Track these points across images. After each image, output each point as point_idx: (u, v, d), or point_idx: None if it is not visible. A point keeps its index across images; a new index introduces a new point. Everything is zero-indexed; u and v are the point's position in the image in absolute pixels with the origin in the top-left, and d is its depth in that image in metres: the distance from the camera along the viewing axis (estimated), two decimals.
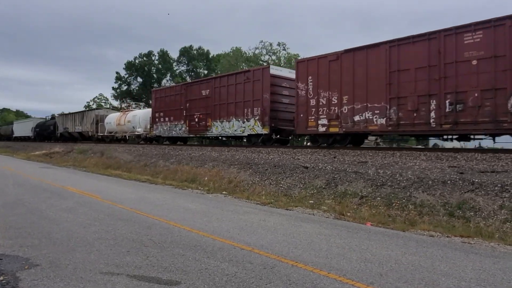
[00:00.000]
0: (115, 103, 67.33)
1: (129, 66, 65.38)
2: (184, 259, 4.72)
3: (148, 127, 26.54)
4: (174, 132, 23.50)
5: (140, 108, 36.01)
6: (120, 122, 30.38)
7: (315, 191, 9.98)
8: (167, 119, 24.11)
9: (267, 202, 9.38)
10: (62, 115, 44.04)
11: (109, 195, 10.27)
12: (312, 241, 5.67)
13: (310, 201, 9.34)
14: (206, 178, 13.25)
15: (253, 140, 18.49)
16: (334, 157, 12.44)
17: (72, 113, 40.97)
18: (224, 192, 11.23)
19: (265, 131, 17.17)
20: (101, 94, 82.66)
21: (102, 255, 4.86)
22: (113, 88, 67.80)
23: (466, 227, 6.69)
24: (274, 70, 17.76)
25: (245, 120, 18.27)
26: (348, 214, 8.03)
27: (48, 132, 45.38)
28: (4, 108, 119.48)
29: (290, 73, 17.91)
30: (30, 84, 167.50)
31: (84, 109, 59.95)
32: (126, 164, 19.27)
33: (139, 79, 65.77)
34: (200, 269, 4.34)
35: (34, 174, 16.22)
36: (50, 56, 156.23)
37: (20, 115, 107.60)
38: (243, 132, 18.33)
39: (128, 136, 30.90)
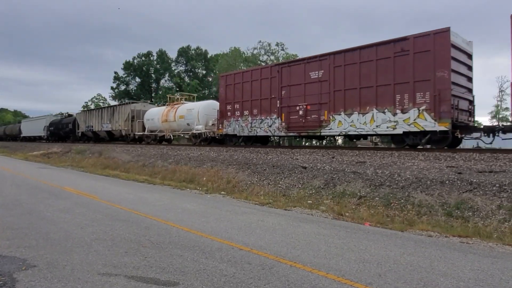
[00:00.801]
0: (113, 103, 67.19)
1: (127, 66, 65.31)
2: (182, 259, 4.70)
3: (211, 123, 21.55)
4: (259, 130, 18.11)
5: (193, 101, 28.43)
6: (169, 118, 24.36)
7: (313, 191, 9.97)
8: (245, 112, 18.73)
9: (265, 203, 9.37)
10: (85, 111, 38.41)
11: (107, 195, 10.24)
12: (311, 242, 5.66)
13: (309, 201, 9.33)
14: (204, 178, 13.24)
15: (411, 140, 13.10)
16: (333, 157, 12.44)
17: (99, 108, 35.85)
18: (222, 192, 11.22)
19: (442, 126, 11.96)
20: (99, 94, 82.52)
21: (100, 255, 4.84)
22: (111, 88, 67.72)
23: (465, 227, 6.70)
24: (455, 37, 12.29)
25: (397, 111, 12.95)
26: (347, 214, 8.03)
27: (65, 131, 40.03)
28: (1, 108, 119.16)
29: (467, 45, 13.21)
30: (28, 84, 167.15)
31: (115, 103, 54.34)
32: (124, 164, 19.22)
33: (137, 79, 65.69)
34: (198, 269, 4.33)
35: (32, 175, 16.16)
36: (48, 56, 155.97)
37: (18, 115, 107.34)
38: (394, 128, 13.09)
39: (181, 136, 25.15)
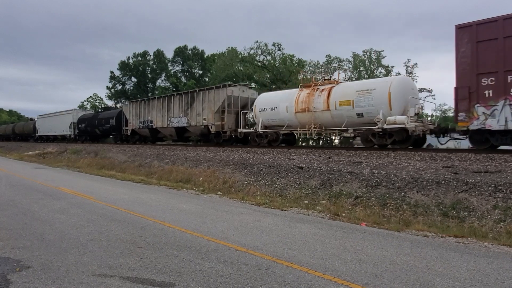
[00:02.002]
0: (110, 103, 66.92)
1: (123, 66, 65.07)
2: (178, 260, 4.68)
3: (413, 112, 13.57)
4: None
5: (325, 78, 19.40)
6: (314, 106, 15.92)
7: (310, 191, 9.97)
8: None
9: (262, 203, 9.36)
10: (139, 101, 27.91)
11: (103, 195, 10.18)
12: (307, 242, 5.65)
13: (305, 202, 9.33)
14: (201, 179, 13.20)
15: None
16: (329, 158, 12.45)
17: (165, 96, 25.19)
18: (219, 193, 11.19)
19: None
20: (95, 94, 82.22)
21: (95, 256, 4.81)
22: (107, 88, 67.43)
23: (460, 227, 6.72)
24: None
25: None
26: (343, 214, 8.03)
27: (104, 129, 31.62)
28: None
29: None
30: (23, 84, 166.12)
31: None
32: (121, 164, 19.14)
33: (134, 79, 65.47)
34: (194, 270, 4.31)
35: (27, 175, 16.05)
36: (44, 55, 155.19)
37: (13, 115, 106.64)
38: None
39: (355, 135, 15.60)
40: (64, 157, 25.90)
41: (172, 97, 24.22)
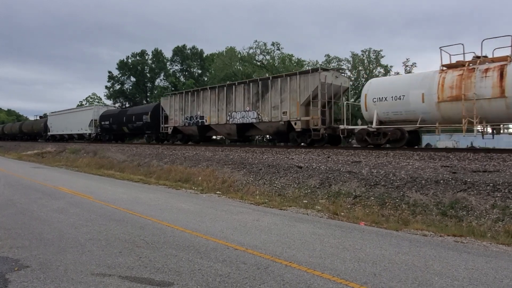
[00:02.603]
0: (108, 103, 66.82)
1: (122, 65, 64.98)
2: (177, 259, 4.68)
3: None
4: None
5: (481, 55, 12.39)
6: (481, 91, 11.48)
7: (309, 191, 9.98)
8: None
9: (261, 202, 9.36)
10: (186, 92, 22.87)
11: (102, 195, 10.17)
12: (306, 241, 5.65)
13: (304, 201, 9.34)
14: (200, 178, 13.20)
15: None
16: (328, 157, 12.45)
17: (224, 86, 20.70)
18: (218, 192, 11.19)
19: None
20: (94, 94, 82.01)
21: (93, 256, 4.80)
22: (106, 87, 67.34)
23: (459, 227, 6.73)
24: None
25: None
26: (342, 213, 8.04)
27: (136, 126, 26.77)
28: None
29: None
30: (22, 83, 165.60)
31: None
32: (119, 164, 19.13)
33: (132, 79, 65.40)
34: (193, 269, 4.31)
35: (25, 174, 16.03)
36: (42, 55, 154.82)
37: (12, 114, 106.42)
38: None
39: None
40: (63, 156, 25.87)
41: (234, 86, 19.60)
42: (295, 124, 16.45)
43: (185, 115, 22.59)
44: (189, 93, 22.56)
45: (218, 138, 25.03)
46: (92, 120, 31.93)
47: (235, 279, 4.00)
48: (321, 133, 15.80)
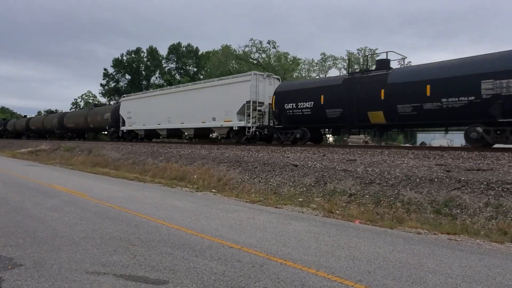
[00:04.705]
0: (103, 101, 66.43)
1: (117, 63, 64.67)
2: (172, 258, 4.67)
3: None
4: None
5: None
6: None
7: (304, 189, 10.00)
8: None
9: (256, 201, 9.37)
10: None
11: (96, 193, 10.12)
12: (301, 239, 5.67)
13: (300, 199, 9.36)
14: (195, 176, 13.18)
15: None
16: (324, 155, 12.48)
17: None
18: (213, 190, 11.18)
19: None
20: (89, 91, 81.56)
21: (88, 254, 4.78)
22: (101, 85, 67.02)
23: (453, 225, 6.78)
24: None
25: None
26: (337, 212, 8.07)
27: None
28: None
29: None
30: (16, 80, 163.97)
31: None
32: (114, 162, 19.04)
33: (127, 76, 65.10)
34: (188, 268, 4.30)
35: (19, 172, 15.91)
36: (37, 52, 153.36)
37: (6, 112, 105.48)
38: None
39: None
40: (57, 154, 25.70)
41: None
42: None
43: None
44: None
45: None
46: (245, 103, 17.38)
47: (230, 277, 4.00)
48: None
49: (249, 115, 17.55)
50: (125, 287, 3.72)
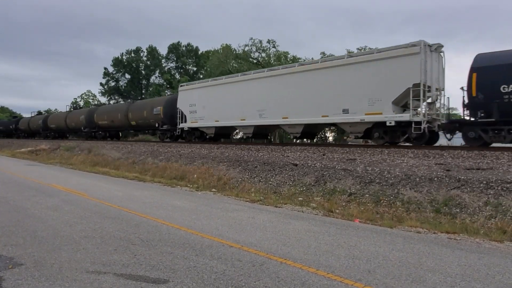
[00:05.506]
0: (103, 100, 66.40)
1: (117, 62, 64.63)
2: (172, 257, 4.68)
3: None
4: None
5: None
6: None
7: (304, 188, 10.01)
8: None
9: (256, 200, 9.38)
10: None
11: (96, 193, 10.13)
12: (301, 238, 5.68)
13: (299, 199, 9.36)
14: (195, 176, 13.18)
15: None
16: (323, 155, 12.49)
17: None
18: (213, 190, 11.19)
19: None
20: (89, 91, 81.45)
21: (88, 253, 4.79)
22: (101, 84, 66.98)
23: (452, 224, 6.79)
24: None
25: None
26: (337, 211, 8.08)
27: None
28: None
29: None
30: (15, 80, 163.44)
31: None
32: (114, 161, 19.04)
33: (127, 76, 65.07)
34: (188, 267, 4.31)
35: (19, 172, 15.91)
36: (36, 51, 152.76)
37: (5, 111, 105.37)
38: None
39: None
40: (57, 154, 25.69)
41: None
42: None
43: None
44: None
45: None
46: (410, 87, 12.29)
47: (230, 276, 4.01)
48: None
49: (415, 106, 12.42)
50: (125, 286, 3.73)
